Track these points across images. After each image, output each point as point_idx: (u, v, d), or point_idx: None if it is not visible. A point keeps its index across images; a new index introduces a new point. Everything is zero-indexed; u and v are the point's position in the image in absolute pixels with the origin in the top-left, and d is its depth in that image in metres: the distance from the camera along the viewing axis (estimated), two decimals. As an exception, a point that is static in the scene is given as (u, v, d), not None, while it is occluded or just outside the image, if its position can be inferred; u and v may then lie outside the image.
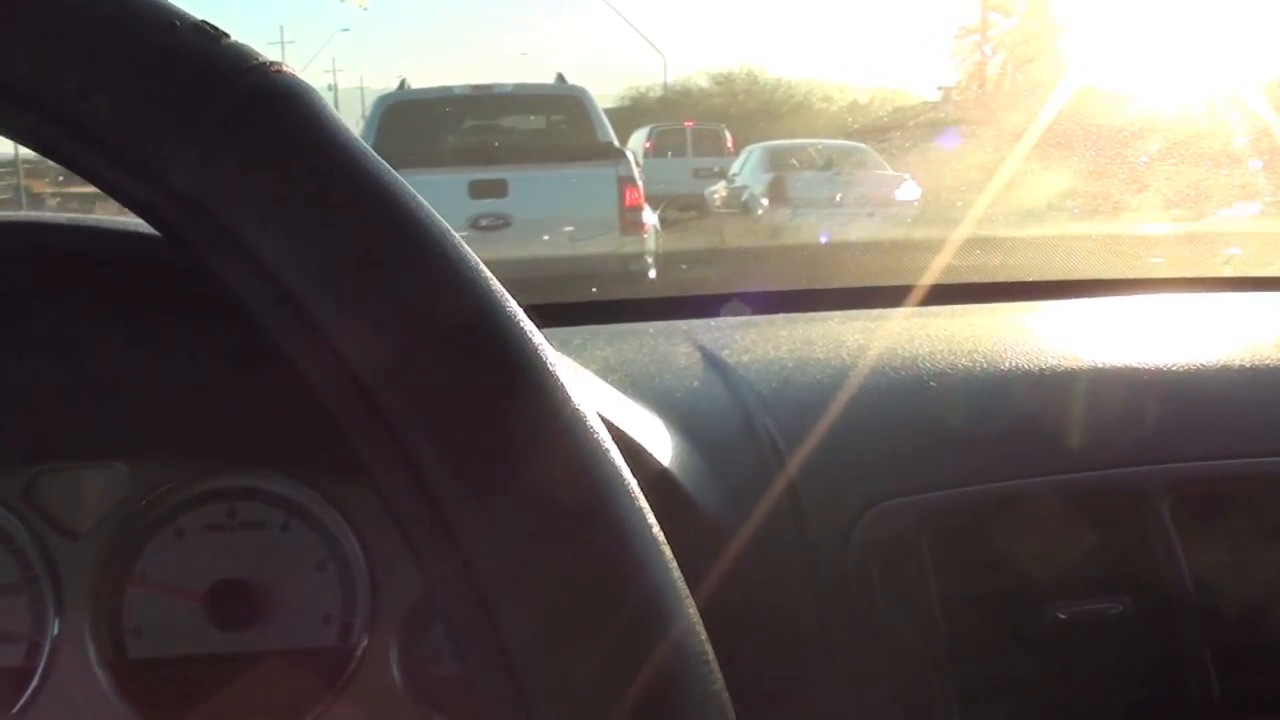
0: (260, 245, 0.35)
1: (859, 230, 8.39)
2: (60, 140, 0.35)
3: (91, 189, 0.37)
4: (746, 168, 11.63)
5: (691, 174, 14.78)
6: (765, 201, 10.40)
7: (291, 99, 0.37)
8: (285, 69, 0.37)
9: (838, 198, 9.91)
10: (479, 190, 6.42)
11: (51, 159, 0.36)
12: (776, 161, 11.16)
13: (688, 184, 13.50)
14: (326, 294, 0.35)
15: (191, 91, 0.35)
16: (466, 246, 0.38)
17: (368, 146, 0.38)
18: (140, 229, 0.68)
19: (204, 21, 0.36)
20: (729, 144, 16.18)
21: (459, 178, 6.38)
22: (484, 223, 6.35)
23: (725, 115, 21.51)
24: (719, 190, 11.76)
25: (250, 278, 0.36)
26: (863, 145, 11.94)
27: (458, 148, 7.65)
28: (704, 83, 29.40)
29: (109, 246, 0.68)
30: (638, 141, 15.91)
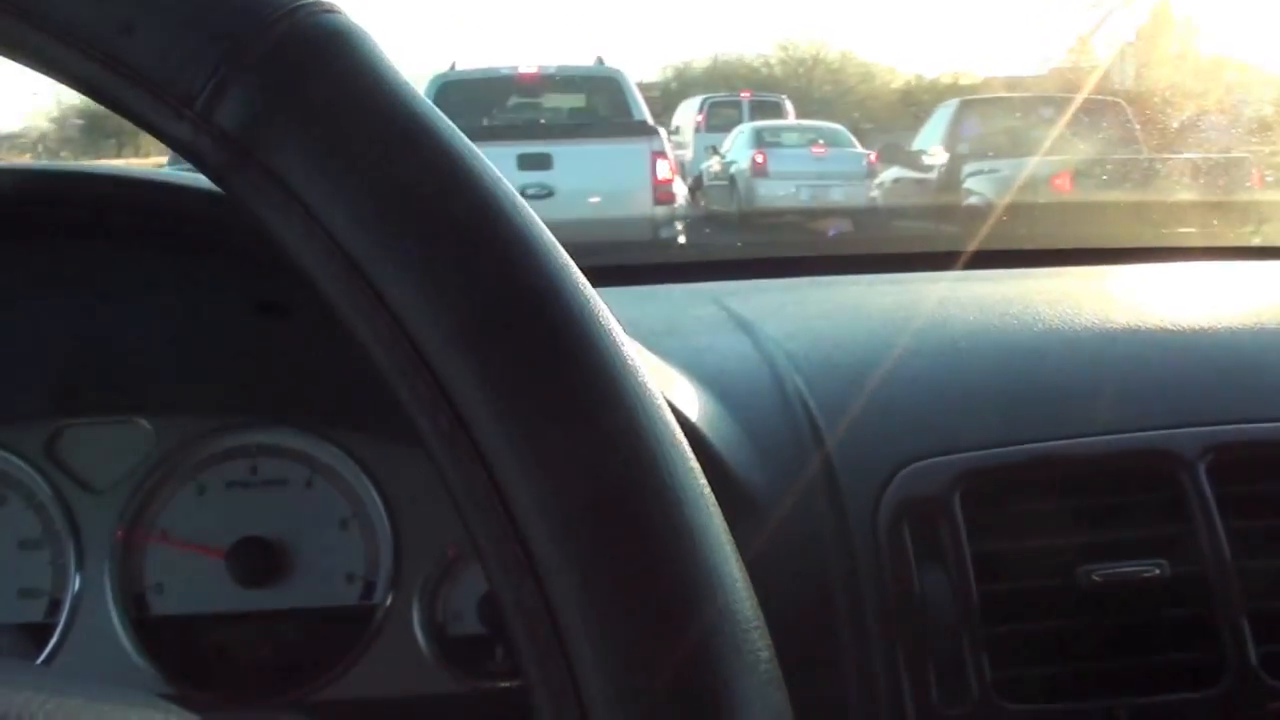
0: (309, 192, 0.33)
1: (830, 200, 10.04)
2: (103, 77, 0.34)
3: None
4: (736, 145, 12.36)
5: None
6: (749, 174, 11.31)
7: (341, 39, 0.35)
8: (335, 8, 0.35)
9: (810, 171, 11.10)
10: (526, 163, 6.80)
11: (94, 99, 0.35)
12: (761, 139, 12.03)
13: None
14: (382, 250, 0.33)
15: (238, 29, 0.34)
16: (527, 205, 0.36)
17: (419, 91, 0.36)
18: (166, 178, 0.67)
19: None
20: (792, 117, 15.26)
21: (508, 151, 6.74)
22: (530, 192, 6.83)
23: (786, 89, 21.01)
24: (712, 164, 12.41)
25: (298, 228, 0.34)
26: (838, 125, 12.92)
27: (506, 123, 8.18)
28: (763, 51, 28.88)
29: (133, 195, 0.67)
30: (687, 115, 15.27)
